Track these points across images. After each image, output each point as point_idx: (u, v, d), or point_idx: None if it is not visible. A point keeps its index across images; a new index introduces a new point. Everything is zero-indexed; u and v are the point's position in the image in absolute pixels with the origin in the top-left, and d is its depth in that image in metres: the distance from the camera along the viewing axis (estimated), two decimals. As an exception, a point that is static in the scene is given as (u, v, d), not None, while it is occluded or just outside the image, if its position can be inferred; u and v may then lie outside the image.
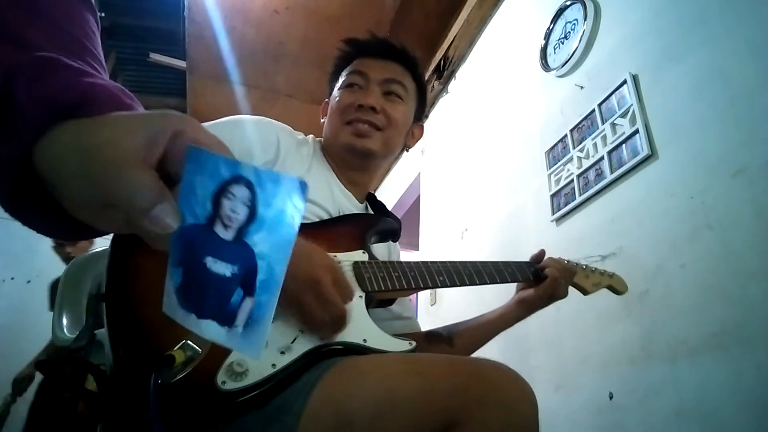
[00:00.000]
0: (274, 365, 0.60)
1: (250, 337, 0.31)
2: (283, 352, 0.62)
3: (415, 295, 2.97)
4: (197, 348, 0.57)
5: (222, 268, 0.31)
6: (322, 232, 0.83)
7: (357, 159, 0.98)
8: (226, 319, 0.31)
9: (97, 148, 0.30)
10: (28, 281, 3.10)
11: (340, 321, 0.67)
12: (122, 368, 0.58)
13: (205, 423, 0.57)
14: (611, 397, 1.28)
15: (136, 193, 0.29)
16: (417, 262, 0.86)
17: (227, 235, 0.30)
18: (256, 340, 0.31)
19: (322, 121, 1.05)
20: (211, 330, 0.32)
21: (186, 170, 0.30)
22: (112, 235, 0.69)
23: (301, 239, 0.72)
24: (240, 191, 0.29)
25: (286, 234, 0.28)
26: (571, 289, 1.04)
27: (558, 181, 1.70)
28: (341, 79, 1.02)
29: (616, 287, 1.07)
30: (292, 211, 0.28)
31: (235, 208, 0.29)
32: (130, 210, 0.30)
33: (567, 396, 1.44)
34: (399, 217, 1.03)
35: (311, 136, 1.03)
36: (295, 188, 0.27)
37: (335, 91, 1.02)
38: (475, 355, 0.98)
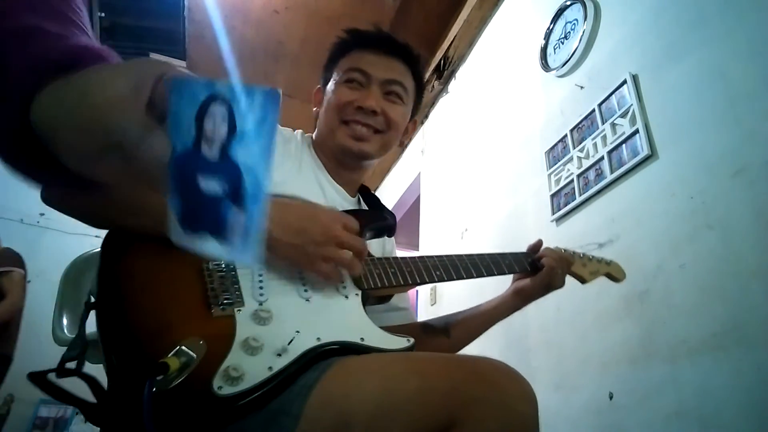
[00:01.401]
0: (270, 368, 0.59)
1: (246, 247, 0.33)
2: (279, 355, 0.61)
3: (415, 295, 2.97)
4: (192, 354, 0.56)
5: (213, 186, 0.33)
6: None
7: (351, 160, 0.96)
8: (223, 234, 0.34)
9: (85, 95, 0.33)
10: (28, 281, 3.09)
11: (361, 255, 0.75)
12: (116, 376, 0.57)
13: (203, 429, 0.56)
14: (611, 397, 1.28)
15: (130, 128, 0.32)
16: (413, 258, 0.85)
17: (213, 154, 0.32)
18: (252, 249, 0.33)
19: (315, 109, 1.01)
20: (212, 248, 0.34)
21: (170, 102, 0.32)
22: (102, 240, 0.69)
23: (303, 203, 0.76)
24: (218, 109, 0.31)
25: (265, 143, 0.31)
26: (570, 282, 1.03)
27: (558, 181, 1.70)
28: (340, 72, 0.97)
29: (614, 275, 1.06)
30: (270, 120, 0.31)
31: (215, 125, 0.32)
32: (127, 143, 0.32)
33: (567, 396, 1.44)
34: (399, 217, 1.02)
35: (299, 131, 1.00)
36: (269, 97, 0.30)
37: (332, 84, 0.97)
38: (475, 353, 0.97)
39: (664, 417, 1.13)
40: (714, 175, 1.15)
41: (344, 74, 0.95)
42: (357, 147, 0.93)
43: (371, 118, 0.92)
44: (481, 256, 0.91)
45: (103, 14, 4.10)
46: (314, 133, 1.02)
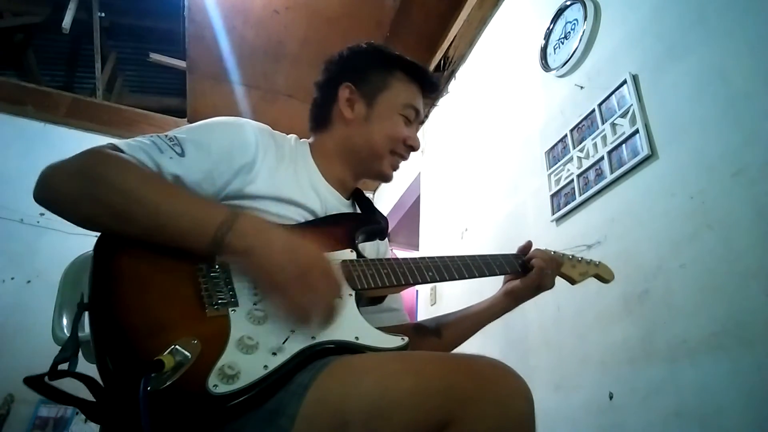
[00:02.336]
0: (266, 366, 0.60)
1: None
2: (274, 353, 0.61)
3: (415, 295, 2.97)
4: (187, 353, 0.56)
5: None
6: (310, 232, 0.83)
7: (370, 177, 1.03)
8: None
9: None
10: (28, 281, 3.09)
11: (328, 313, 0.67)
12: (110, 378, 0.57)
13: (199, 428, 0.56)
14: (611, 397, 1.28)
15: None
16: (406, 259, 0.86)
17: None
18: None
19: (350, 115, 0.96)
20: None
21: None
22: (95, 241, 0.68)
23: (291, 233, 0.73)
24: None
25: None
26: (568, 286, 1.04)
27: (558, 181, 1.70)
28: (399, 102, 0.97)
29: (603, 275, 1.08)
30: None
31: None
32: None
33: (567, 396, 1.44)
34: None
35: (293, 135, 1.00)
36: None
37: (389, 110, 0.96)
38: (475, 352, 0.98)
39: (664, 417, 1.13)
40: (714, 175, 1.15)
41: (405, 108, 0.99)
42: (392, 176, 1.03)
43: (410, 154, 1.02)
44: (473, 258, 0.93)
45: (103, 14, 4.10)
46: (339, 139, 0.98)
